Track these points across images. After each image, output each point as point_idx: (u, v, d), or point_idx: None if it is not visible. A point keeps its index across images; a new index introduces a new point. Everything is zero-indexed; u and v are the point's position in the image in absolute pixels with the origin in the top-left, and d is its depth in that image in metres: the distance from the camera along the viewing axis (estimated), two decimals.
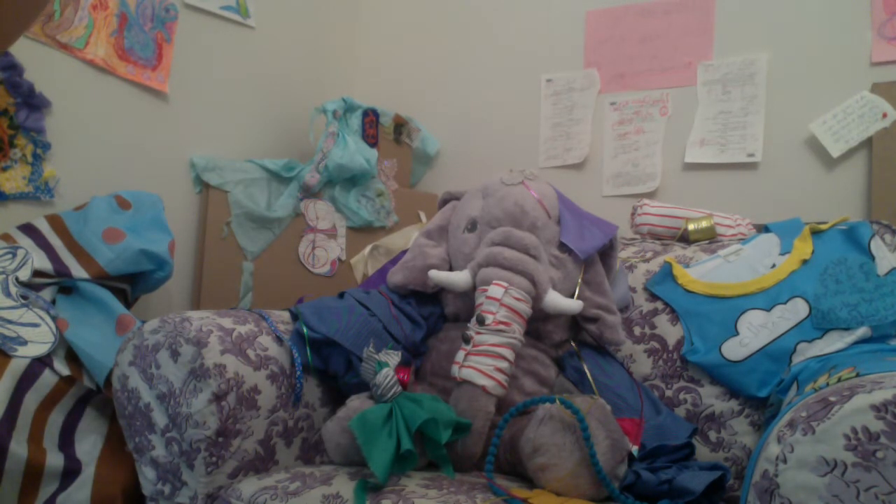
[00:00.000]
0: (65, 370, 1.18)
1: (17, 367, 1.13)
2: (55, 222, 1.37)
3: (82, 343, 1.22)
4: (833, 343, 1.12)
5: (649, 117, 1.85)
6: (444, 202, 1.38)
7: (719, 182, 1.75)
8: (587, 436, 0.89)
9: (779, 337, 1.18)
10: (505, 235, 1.14)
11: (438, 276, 1.19)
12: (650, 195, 1.81)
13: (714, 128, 1.76)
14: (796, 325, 1.18)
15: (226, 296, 1.71)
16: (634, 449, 1.01)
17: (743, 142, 1.72)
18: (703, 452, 1.20)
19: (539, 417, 0.94)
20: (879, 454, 0.66)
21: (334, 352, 1.14)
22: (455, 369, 1.05)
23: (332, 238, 1.88)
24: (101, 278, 1.34)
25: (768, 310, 1.22)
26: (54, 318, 1.22)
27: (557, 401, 0.95)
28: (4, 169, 1.36)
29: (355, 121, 1.92)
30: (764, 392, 1.16)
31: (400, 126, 2.04)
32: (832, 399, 0.72)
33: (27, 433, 1.12)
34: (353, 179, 1.89)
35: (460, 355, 1.06)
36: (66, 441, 1.18)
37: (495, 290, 1.08)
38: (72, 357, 1.22)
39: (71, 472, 1.15)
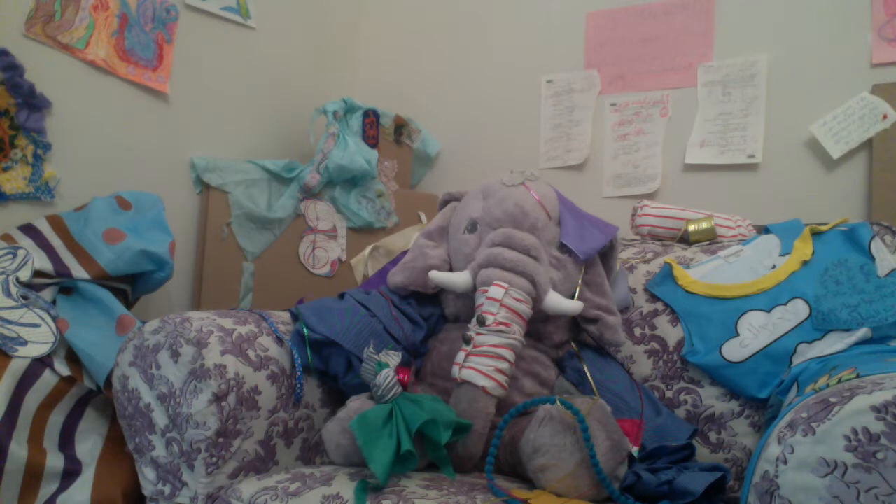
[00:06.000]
0: (65, 370, 1.18)
1: (17, 367, 1.13)
2: (56, 223, 1.37)
3: (83, 343, 1.22)
4: (833, 344, 1.12)
5: (650, 118, 1.86)
6: (445, 203, 1.38)
7: (719, 183, 1.75)
8: (587, 437, 0.89)
9: (779, 338, 1.18)
10: (505, 236, 1.14)
11: (439, 276, 1.19)
12: (650, 196, 1.81)
13: (714, 129, 1.76)
14: (796, 326, 1.18)
15: (226, 296, 1.71)
16: (634, 450, 1.01)
17: (743, 143, 1.72)
18: (703, 453, 1.20)
19: (539, 418, 0.94)
20: (880, 455, 0.66)
21: (335, 352, 1.14)
22: (455, 370, 1.05)
23: (332, 239, 1.88)
24: (102, 279, 1.34)
25: (768, 311, 1.22)
26: (55, 319, 1.22)
27: (557, 402, 0.95)
28: (5, 169, 1.36)
29: (356, 122, 1.92)
30: (764, 393, 1.16)
31: (400, 127, 2.04)
32: (832, 400, 0.72)
33: (27, 433, 1.12)
34: (353, 180, 1.89)
35: (460, 356, 1.06)
36: (67, 441, 1.18)
37: (496, 291, 1.08)
38: (72, 357, 1.22)
39: (71, 472, 1.15)
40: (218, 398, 0.99)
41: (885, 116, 1.56)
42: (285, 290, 1.78)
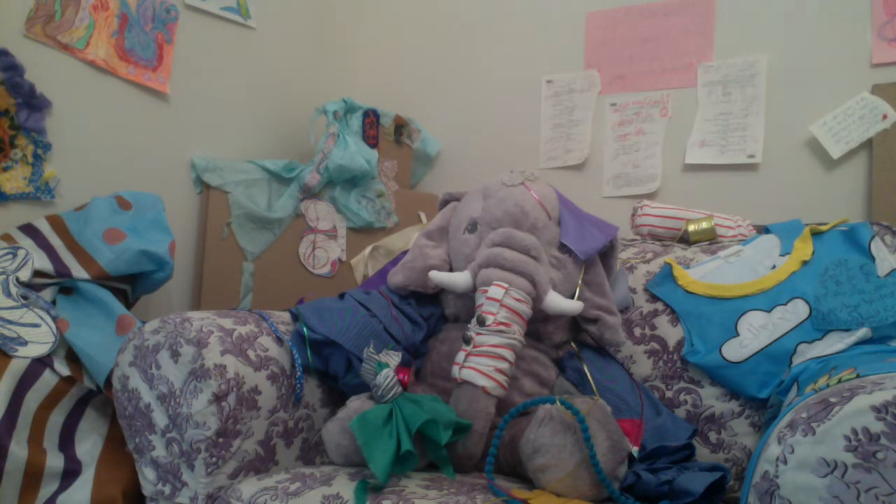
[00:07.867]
0: (65, 370, 1.18)
1: (17, 367, 1.13)
2: (56, 223, 1.37)
3: (83, 343, 1.22)
4: (833, 344, 1.12)
5: (650, 118, 1.86)
6: (445, 203, 1.38)
7: (719, 183, 1.75)
8: (587, 437, 0.89)
9: (779, 338, 1.18)
10: (505, 236, 1.14)
11: (439, 276, 1.19)
12: (650, 196, 1.81)
13: (714, 129, 1.76)
14: (796, 326, 1.18)
15: (226, 296, 1.71)
16: (634, 450, 1.01)
17: (743, 143, 1.72)
18: (703, 453, 1.20)
19: (539, 418, 0.94)
20: (880, 455, 0.66)
21: (335, 352, 1.14)
22: (455, 370, 1.05)
23: (332, 239, 1.88)
24: (102, 279, 1.34)
25: (768, 311, 1.22)
26: (55, 319, 1.22)
27: (557, 402, 0.95)
28: (5, 169, 1.36)
29: (356, 121, 1.92)
30: (764, 393, 1.16)
31: (400, 127, 2.04)
32: (832, 400, 0.72)
33: (27, 433, 1.12)
34: (353, 180, 1.89)
35: (460, 356, 1.06)
36: (67, 441, 1.18)
37: (496, 291, 1.08)
38: (72, 357, 1.22)
39: (71, 472, 1.15)
40: (218, 398, 0.99)
41: (885, 116, 1.56)
42: (285, 290, 1.77)
